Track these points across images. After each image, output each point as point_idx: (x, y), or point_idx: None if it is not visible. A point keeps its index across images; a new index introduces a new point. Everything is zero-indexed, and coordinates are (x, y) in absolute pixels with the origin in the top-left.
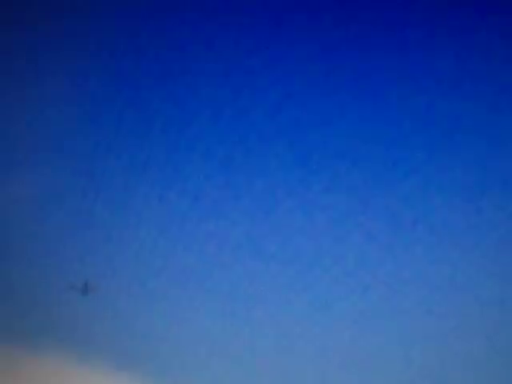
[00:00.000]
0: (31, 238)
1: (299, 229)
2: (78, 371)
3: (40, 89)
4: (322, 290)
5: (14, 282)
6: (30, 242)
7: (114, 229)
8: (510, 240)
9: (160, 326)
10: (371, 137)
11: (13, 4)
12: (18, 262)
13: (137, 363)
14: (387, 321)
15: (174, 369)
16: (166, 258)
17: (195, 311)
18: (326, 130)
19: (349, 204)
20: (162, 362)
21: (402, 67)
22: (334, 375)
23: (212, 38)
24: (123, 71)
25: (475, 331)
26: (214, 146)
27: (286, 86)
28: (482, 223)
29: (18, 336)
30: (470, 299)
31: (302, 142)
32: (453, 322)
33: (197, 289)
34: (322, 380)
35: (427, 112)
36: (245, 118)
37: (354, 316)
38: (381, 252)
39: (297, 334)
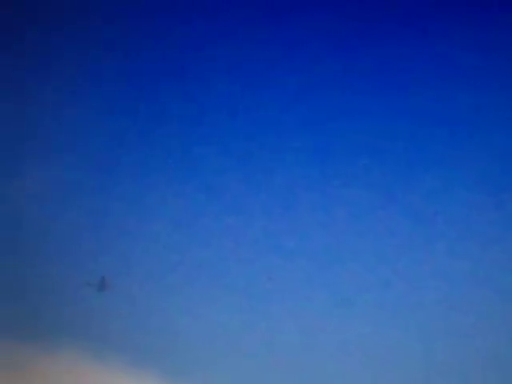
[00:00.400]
0: (47, 234)
1: (318, 224)
2: (94, 367)
3: (54, 85)
4: (341, 285)
5: (29, 279)
6: (45, 239)
7: (130, 225)
8: None
9: (176, 322)
10: (390, 131)
11: (26, 5)
12: (34, 259)
13: (153, 359)
14: (407, 316)
15: (190, 365)
16: (183, 254)
17: (212, 307)
18: (345, 124)
19: (368, 199)
20: (178, 358)
21: (424, 61)
22: (352, 370)
23: (228, 33)
24: (139, 67)
25: (496, 326)
26: (231, 140)
27: (304, 80)
28: (502, 218)
29: (34, 333)
30: (491, 294)
31: (320, 136)
32: (473, 318)
33: (214, 284)
34: (341, 375)
35: (448, 106)
36: (262, 112)
37: (373, 311)
38: (401, 247)
39: (315, 329)
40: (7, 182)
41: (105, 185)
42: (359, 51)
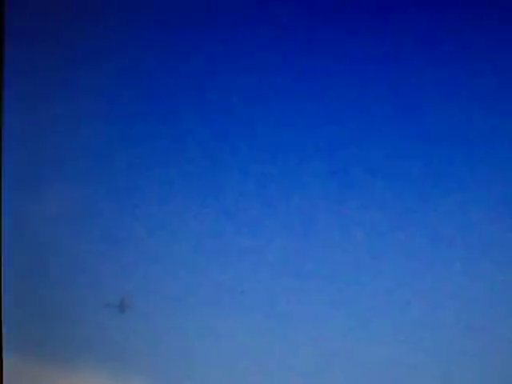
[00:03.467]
0: (67, 256)
1: (337, 245)
2: None
3: (73, 104)
4: (360, 306)
5: (49, 300)
6: (65, 260)
7: (150, 246)
8: None
9: (196, 343)
10: (408, 152)
11: (43, 22)
12: (54, 280)
13: (173, 381)
14: (425, 337)
15: None
16: (203, 275)
17: (232, 329)
18: (363, 146)
19: (386, 220)
20: (199, 380)
21: (440, 81)
22: None
23: (245, 53)
24: (157, 87)
25: None
26: (250, 162)
27: (321, 101)
28: None
29: (54, 353)
30: (510, 316)
31: (338, 157)
32: (494, 339)
33: (233, 306)
34: None
35: (465, 127)
36: (281, 135)
37: (393, 333)
38: (419, 268)
39: (335, 351)
40: (27, 204)
41: (124, 205)
42: (377, 73)
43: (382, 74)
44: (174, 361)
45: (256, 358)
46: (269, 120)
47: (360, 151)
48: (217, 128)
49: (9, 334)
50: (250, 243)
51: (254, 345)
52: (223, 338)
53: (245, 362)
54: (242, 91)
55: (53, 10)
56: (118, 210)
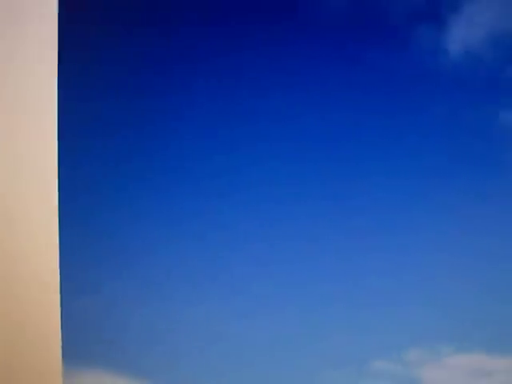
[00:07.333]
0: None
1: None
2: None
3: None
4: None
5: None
6: None
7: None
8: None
9: (180, 327)
10: (399, 149)
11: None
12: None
13: (149, 366)
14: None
15: (192, 372)
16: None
17: (212, 317)
18: (356, 144)
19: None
20: (183, 366)
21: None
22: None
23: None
24: (149, 88)
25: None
26: (237, 171)
27: (312, 102)
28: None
29: None
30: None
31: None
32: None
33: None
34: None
35: (451, 123)
36: (276, 137)
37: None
38: (379, 257)
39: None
40: None
41: (109, 203)
42: (367, 74)
43: (374, 75)
44: (149, 350)
45: (233, 341)
46: (252, 131)
47: (353, 150)
48: (212, 129)
49: None
50: (241, 248)
51: (233, 329)
52: (203, 326)
53: (224, 348)
54: (239, 92)
55: None
56: (102, 206)
